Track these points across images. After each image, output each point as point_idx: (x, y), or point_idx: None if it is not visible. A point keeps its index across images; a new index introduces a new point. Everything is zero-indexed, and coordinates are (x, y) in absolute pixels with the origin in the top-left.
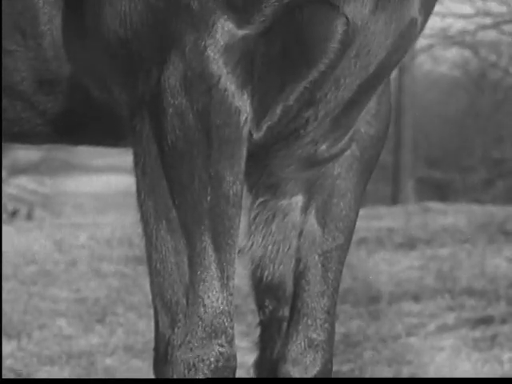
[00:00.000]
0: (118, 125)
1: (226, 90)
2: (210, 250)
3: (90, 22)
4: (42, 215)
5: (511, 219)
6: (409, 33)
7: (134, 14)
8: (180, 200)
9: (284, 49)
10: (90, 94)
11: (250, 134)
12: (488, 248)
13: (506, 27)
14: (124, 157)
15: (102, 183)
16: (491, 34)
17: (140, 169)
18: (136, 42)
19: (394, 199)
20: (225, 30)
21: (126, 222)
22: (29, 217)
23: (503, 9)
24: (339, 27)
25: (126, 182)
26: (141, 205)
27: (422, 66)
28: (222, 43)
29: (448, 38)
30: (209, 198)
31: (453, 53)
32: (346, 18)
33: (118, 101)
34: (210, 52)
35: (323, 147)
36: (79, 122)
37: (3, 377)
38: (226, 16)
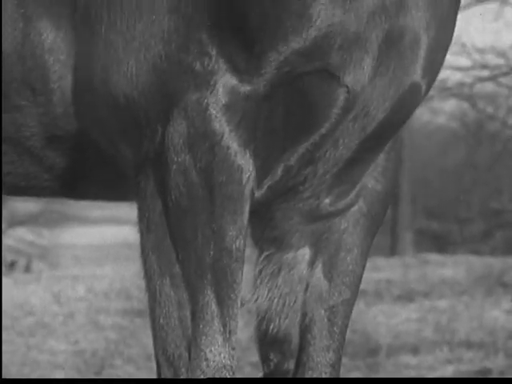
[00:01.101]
0: (124, 181)
1: (228, 147)
2: (212, 304)
3: (98, 80)
4: (40, 267)
5: (509, 271)
6: (411, 96)
7: (140, 74)
8: (183, 255)
9: (286, 113)
10: (98, 150)
11: (252, 192)
12: (486, 300)
13: (504, 80)
14: (120, 208)
15: (98, 235)
16: (489, 86)
17: (144, 225)
18: (141, 101)
19: (393, 250)
20: (227, 88)
21: (123, 274)
22: (27, 269)
23: (500, 61)
24: (340, 95)
25: (123, 233)
26: (144, 260)
27: (420, 118)
28: (224, 102)
29: (446, 90)
30: (212, 252)
31: (451, 104)
32: (347, 86)
33: (124, 157)
34: (213, 110)
35: (326, 201)
36: (86, 178)
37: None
38: (228, 75)
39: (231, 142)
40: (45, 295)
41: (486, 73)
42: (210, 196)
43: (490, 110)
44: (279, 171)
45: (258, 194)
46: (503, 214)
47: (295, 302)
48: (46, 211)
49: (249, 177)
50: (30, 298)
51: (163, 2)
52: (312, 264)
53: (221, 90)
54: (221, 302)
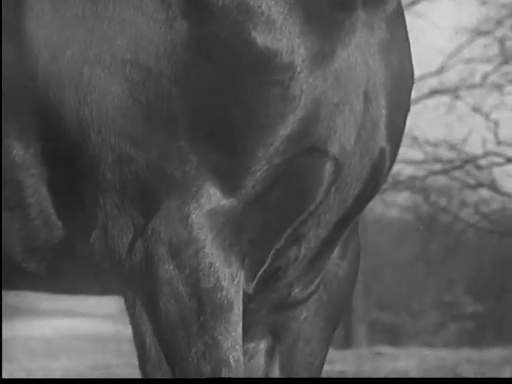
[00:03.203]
0: (111, 282)
1: (213, 254)
2: None
3: (83, 188)
4: None
5: (463, 363)
6: (380, 164)
7: (120, 184)
8: (180, 368)
9: (275, 200)
10: (83, 257)
11: (245, 292)
12: None
13: (456, 173)
14: (72, 301)
15: (51, 327)
16: (441, 179)
17: (137, 343)
18: (124, 211)
19: (346, 343)
20: (210, 194)
21: (77, 367)
22: None
23: (453, 155)
24: (328, 169)
25: (74, 325)
26: (143, 373)
27: (373, 210)
28: (206, 208)
29: (399, 184)
30: (209, 366)
31: (404, 197)
32: (335, 158)
33: (111, 268)
34: (195, 217)
35: (296, 290)
36: (72, 282)
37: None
38: (211, 180)
39: (215, 247)
40: None
41: (438, 166)
42: (199, 306)
43: (442, 202)
44: (270, 257)
45: (251, 289)
46: (456, 306)
47: None
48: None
49: (238, 281)
50: None
51: (136, 111)
52: (271, 354)
53: (204, 195)
54: None
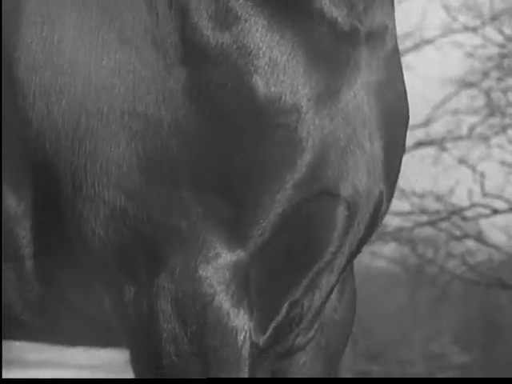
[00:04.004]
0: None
1: (220, 309)
2: None
3: (74, 243)
4: None
5: None
6: (379, 206)
7: (122, 240)
8: None
9: (285, 250)
10: (83, 311)
11: (255, 344)
12: None
13: (443, 224)
14: (56, 352)
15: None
16: (428, 230)
17: None
18: (124, 266)
19: None
20: (216, 248)
21: None
22: None
23: (439, 206)
24: (341, 213)
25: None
26: None
27: (360, 262)
28: (213, 262)
29: (386, 235)
30: None
31: (391, 248)
32: (347, 201)
33: (112, 321)
34: (202, 271)
35: (299, 339)
36: (72, 334)
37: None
38: (216, 234)
39: (223, 302)
40: None
41: (425, 218)
42: (204, 363)
43: (429, 254)
44: (284, 309)
45: (262, 341)
46: (443, 357)
47: None
48: None
49: (245, 337)
50: None
51: (134, 162)
52: None
53: (210, 249)
54: None
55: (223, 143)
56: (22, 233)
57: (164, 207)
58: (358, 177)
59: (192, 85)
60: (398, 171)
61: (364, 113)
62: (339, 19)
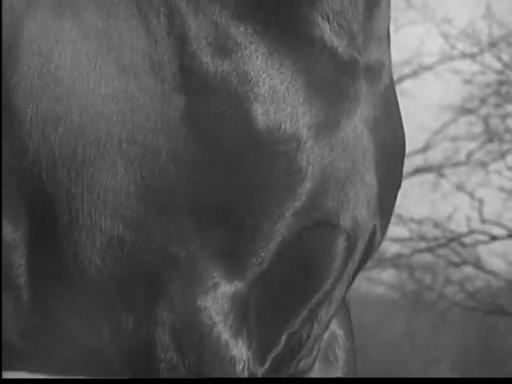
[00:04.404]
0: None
1: (219, 340)
2: None
3: (71, 269)
4: None
5: None
6: (372, 239)
7: (118, 268)
8: None
9: (283, 281)
10: (81, 341)
11: (253, 375)
12: None
13: (441, 251)
14: None
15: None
16: (426, 257)
17: None
18: (122, 295)
19: None
20: (215, 277)
21: None
22: None
23: (437, 232)
24: (341, 244)
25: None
26: None
27: (358, 289)
28: (212, 292)
29: (384, 261)
30: None
31: (389, 274)
32: (347, 233)
33: (110, 350)
34: (200, 301)
35: (302, 363)
36: (70, 364)
37: None
38: (215, 263)
39: (221, 333)
40: None
41: (423, 244)
42: None
43: (427, 280)
44: (283, 340)
45: (260, 372)
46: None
47: None
48: None
49: (243, 367)
50: None
51: (132, 190)
52: None
53: (209, 279)
54: None
55: (222, 171)
56: (19, 261)
57: (163, 235)
58: (358, 208)
59: (191, 112)
60: (393, 206)
61: (363, 145)
62: (340, 49)
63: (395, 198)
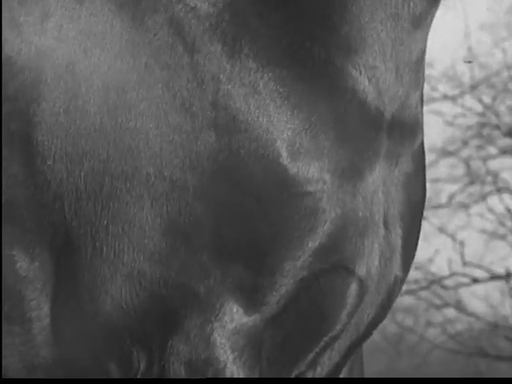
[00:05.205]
0: None
1: (233, 376)
2: None
3: (87, 308)
4: None
5: None
6: (393, 291)
7: (136, 302)
8: None
9: (298, 321)
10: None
11: None
12: None
13: (422, 293)
14: None
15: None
16: (408, 299)
17: None
18: (137, 325)
19: None
20: (233, 312)
21: None
22: None
23: (419, 275)
24: (354, 291)
25: None
26: None
27: None
28: (229, 327)
29: None
30: None
31: None
32: (360, 280)
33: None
34: (217, 336)
35: None
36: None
37: None
38: (233, 298)
39: (236, 369)
40: None
41: (404, 286)
42: None
43: (409, 322)
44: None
45: None
46: None
47: None
48: None
49: None
50: None
51: (157, 224)
52: None
53: (227, 313)
54: None
55: (248, 210)
56: (32, 295)
57: (183, 270)
58: (371, 258)
59: (219, 150)
60: (413, 256)
61: (379, 199)
62: (368, 99)
63: (415, 249)
